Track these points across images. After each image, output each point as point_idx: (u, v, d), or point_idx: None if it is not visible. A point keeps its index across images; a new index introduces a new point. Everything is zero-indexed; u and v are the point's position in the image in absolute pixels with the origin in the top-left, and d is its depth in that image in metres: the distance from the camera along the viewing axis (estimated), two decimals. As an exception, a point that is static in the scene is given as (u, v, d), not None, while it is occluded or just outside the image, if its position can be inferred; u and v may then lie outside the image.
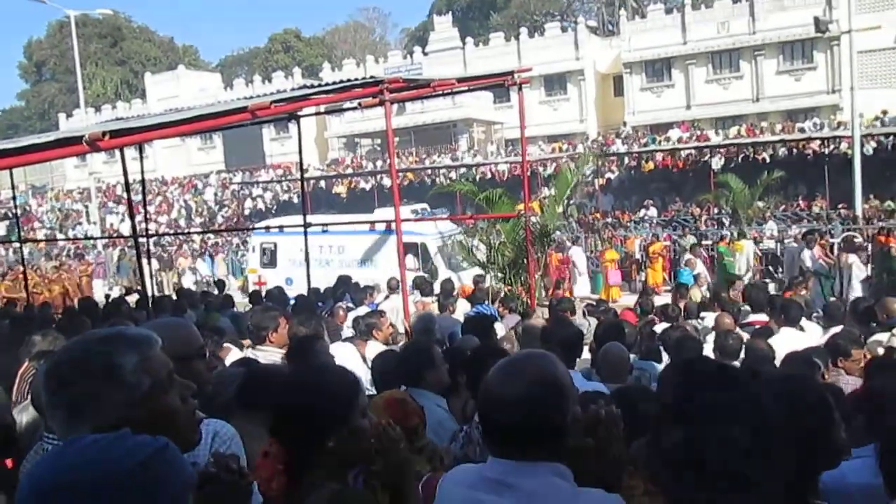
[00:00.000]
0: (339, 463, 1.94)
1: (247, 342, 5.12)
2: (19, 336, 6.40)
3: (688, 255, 15.27)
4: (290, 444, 1.95)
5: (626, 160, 30.08)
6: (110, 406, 1.37)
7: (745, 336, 5.96)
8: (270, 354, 4.49)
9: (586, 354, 5.69)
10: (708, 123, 33.75)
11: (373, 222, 14.82)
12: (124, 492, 1.10)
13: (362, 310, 8.49)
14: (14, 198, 17.70)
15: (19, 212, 18.04)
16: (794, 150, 26.96)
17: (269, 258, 16.75)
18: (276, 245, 16.67)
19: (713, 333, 6.34)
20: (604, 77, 38.95)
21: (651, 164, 29.26)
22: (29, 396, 2.60)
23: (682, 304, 9.40)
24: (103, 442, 1.16)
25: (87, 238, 28.43)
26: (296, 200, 32.85)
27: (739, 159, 27.12)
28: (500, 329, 7.02)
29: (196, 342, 2.29)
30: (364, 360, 5.51)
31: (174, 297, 11.76)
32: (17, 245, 15.54)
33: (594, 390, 3.14)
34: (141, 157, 11.49)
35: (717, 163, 26.95)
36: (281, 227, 16.59)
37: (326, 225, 14.89)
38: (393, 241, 13.82)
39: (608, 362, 4.58)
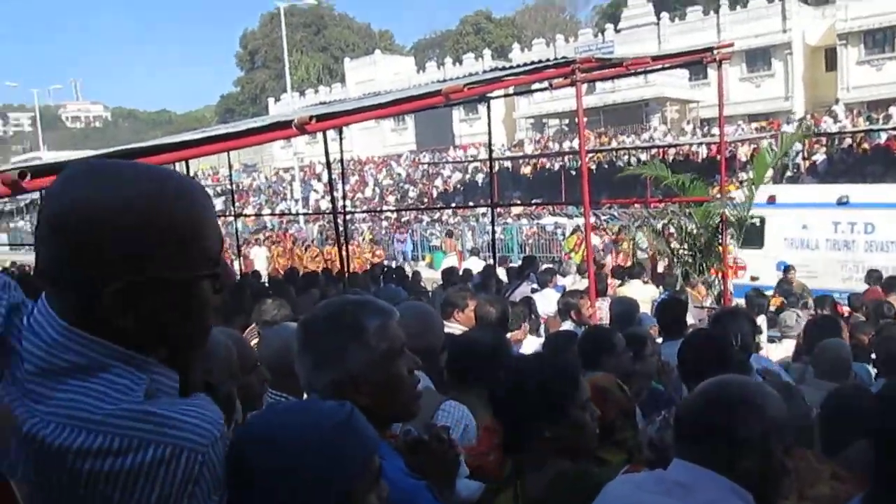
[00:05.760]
0: (554, 452, 1.94)
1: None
2: (234, 303, 7.09)
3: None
4: (508, 425, 2.01)
5: (837, 141, 27.55)
6: (351, 362, 1.54)
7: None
8: (453, 331, 4.56)
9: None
10: (938, 99, 30.20)
11: None
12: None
13: (547, 292, 8.52)
14: (230, 176, 19.52)
15: (233, 188, 19.78)
16: None
17: (752, 235, 12.51)
18: (762, 220, 12.64)
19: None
20: (814, 50, 35.89)
21: (866, 145, 26.60)
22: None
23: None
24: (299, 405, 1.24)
25: (291, 213, 30.68)
26: (480, 181, 33.36)
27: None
28: (690, 318, 6.74)
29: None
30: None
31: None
32: (231, 219, 16.99)
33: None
34: (340, 139, 12.19)
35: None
36: (772, 199, 12.59)
37: (846, 197, 11.39)
38: None
39: (825, 359, 4.26)
